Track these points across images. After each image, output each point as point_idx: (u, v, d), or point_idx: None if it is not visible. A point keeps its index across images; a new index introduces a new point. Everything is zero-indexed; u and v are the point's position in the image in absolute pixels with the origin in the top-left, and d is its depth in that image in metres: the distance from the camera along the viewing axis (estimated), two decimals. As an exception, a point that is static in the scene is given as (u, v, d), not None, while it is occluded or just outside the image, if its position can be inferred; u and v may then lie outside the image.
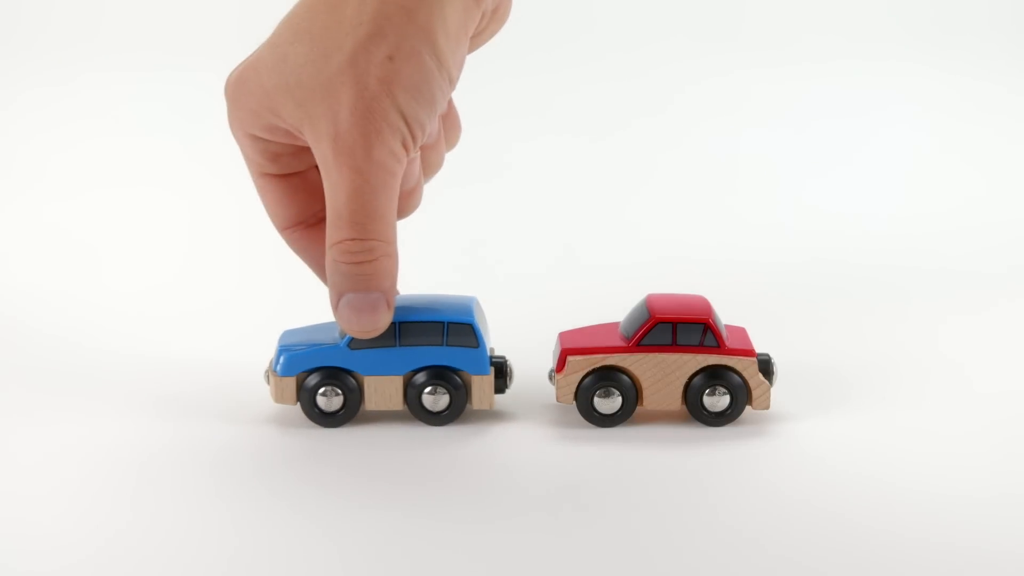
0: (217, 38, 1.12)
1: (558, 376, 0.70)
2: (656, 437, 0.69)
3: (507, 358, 0.71)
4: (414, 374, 0.69)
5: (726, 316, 0.75)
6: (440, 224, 0.94)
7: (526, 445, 0.68)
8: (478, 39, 0.68)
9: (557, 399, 0.70)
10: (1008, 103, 1.16)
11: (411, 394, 0.69)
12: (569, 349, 0.70)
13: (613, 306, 0.75)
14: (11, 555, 0.57)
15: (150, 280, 0.94)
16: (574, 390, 0.69)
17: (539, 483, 0.64)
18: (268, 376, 0.70)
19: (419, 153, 0.70)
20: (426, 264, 0.90)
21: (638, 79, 1.15)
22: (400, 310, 0.68)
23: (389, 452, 0.67)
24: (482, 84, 1.02)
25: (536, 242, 1.01)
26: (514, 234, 1.02)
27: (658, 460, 0.66)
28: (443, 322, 0.69)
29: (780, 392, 0.73)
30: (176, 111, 1.11)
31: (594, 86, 1.15)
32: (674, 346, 0.69)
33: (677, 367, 0.69)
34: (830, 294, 0.93)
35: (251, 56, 0.67)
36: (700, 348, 0.69)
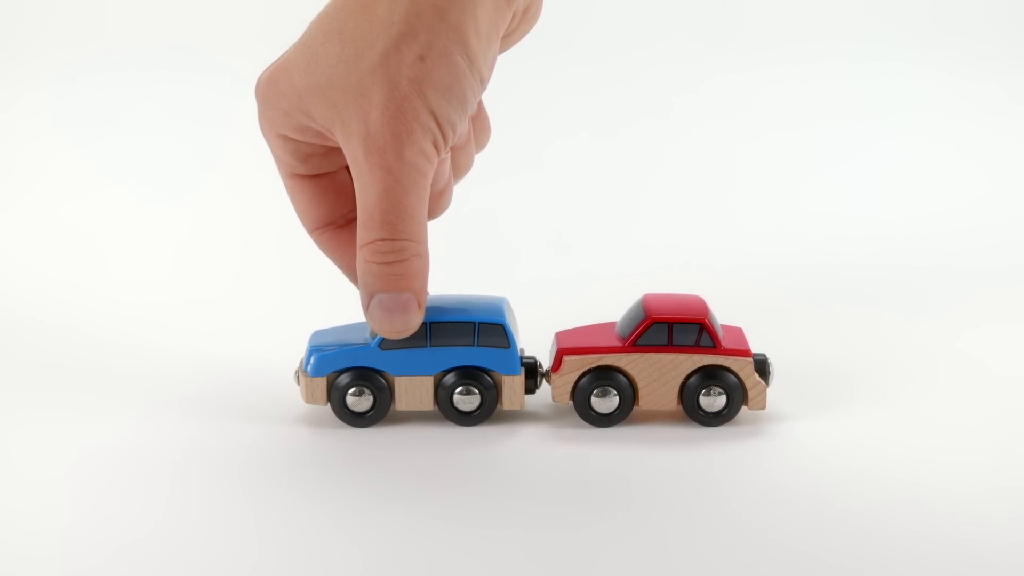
0: (219, 38, 1.12)
1: (554, 376, 0.70)
2: (654, 437, 0.69)
3: (537, 358, 0.71)
4: (445, 374, 0.69)
5: (729, 317, 0.74)
6: (437, 225, 0.94)
7: (530, 446, 0.68)
8: (509, 39, 0.68)
9: (553, 399, 0.70)
10: (1013, 103, 1.16)
11: (442, 395, 0.69)
12: (565, 349, 0.70)
13: (613, 307, 0.75)
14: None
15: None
16: (570, 390, 0.69)
17: (545, 483, 0.64)
18: (298, 376, 0.70)
19: (450, 154, 0.70)
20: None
21: (636, 82, 1.15)
22: (431, 310, 0.68)
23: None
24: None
25: (534, 242, 1.01)
26: (512, 234, 1.02)
27: (658, 459, 0.66)
28: (474, 322, 0.69)
29: (779, 392, 0.73)
30: (181, 110, 1.11)
31: (592, 89, 1.15)
32: (670, 346, 0.69)
33: (673, 367, 0.69)
34: (832, 296, 0.92)
35: (281, 57, 0.67)
36: (696, 348, 0.69)
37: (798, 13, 1.19)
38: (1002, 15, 1.19)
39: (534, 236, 1.02)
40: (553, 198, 1.07)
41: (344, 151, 0.64)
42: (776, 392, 0.72)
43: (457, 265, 0.92)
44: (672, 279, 0.85)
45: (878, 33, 1.18)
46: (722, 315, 0.74)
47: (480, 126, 0.73)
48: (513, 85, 1.06)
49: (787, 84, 1.16)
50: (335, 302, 0.75)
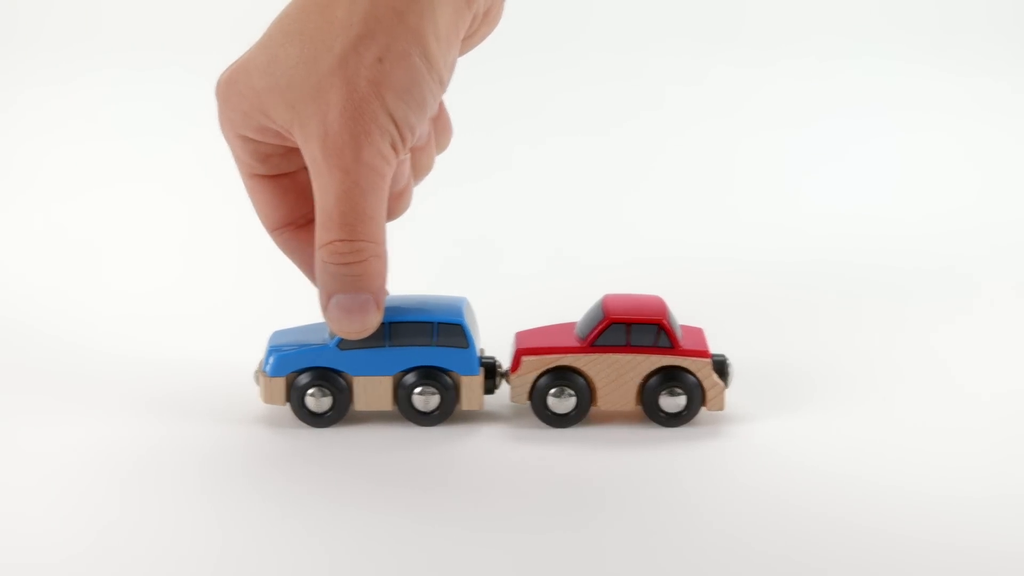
0: (217, 38, 1.12)
1: (512, 376, 0.70)
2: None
3: (496, 358, 0.71)
4: (404, 374, 0.69)
5: (710, 315, 0.74)
6: (434, 224, 0.93)
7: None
8: (470, 41, 0.68)
9: (511, 399, 0.70)
10: (1008, 101, 1.16)
11: (401, 394, 0.69)
12: (523, 349, 0.70)
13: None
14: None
15: (145, 280, 0.94)
16: (528, 390, 0.70)
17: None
18: (258, 376, 0.70)
19: (409, 155, 0.71)
20: (419, 263, 0.91)
21: (632, 79, 1.15)
22: (390, 310, 0.69)
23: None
24: (477, 84, 1.02)
25: (530, 242, 1.01)
26: (509, 234, 1.02)
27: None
28: (433, 322, 0.69)
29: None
30: (175, 112, 1.11)
31: (589, 86, 1.15)
32: (628, 347, 0.69)
33: (631, 368, 0.69)
34: (823, 294, 0.93)
35: (242, 57, 0.67)
36: (654, 349, 0.69)
37: (793, 11, 1.19)
38: (1007, 14, 1.19)
39: (528, 235, 1.02)
40: (547, 197, 1.07)
41: (303, 152, 0.65)
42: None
43: (451, 263, 0.93)
44: (668, 277, 0.85)
45: (875, 31, 1.18)
46: (704, 314, 0.74)
47: (442, 128, 0.73)
48: (508, 83, 1.06)
49: (779, 82, 1.16)
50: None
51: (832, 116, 1.14)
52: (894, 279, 0.96)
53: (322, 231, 0.64)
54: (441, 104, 0.73)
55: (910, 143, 1.13)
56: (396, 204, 0.71)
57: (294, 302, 0.77)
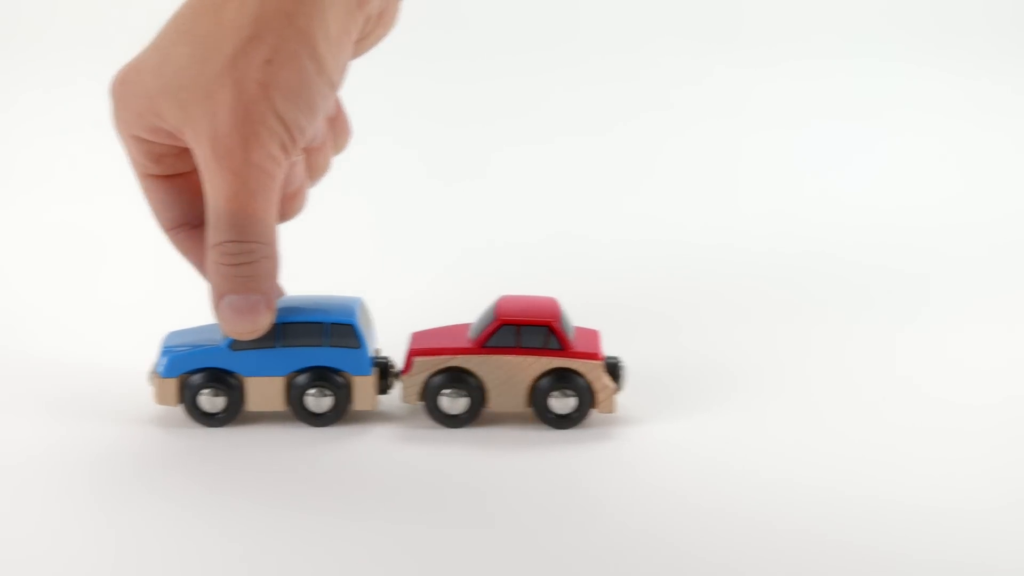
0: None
1: (404, 376, 0.70)
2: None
3: (390, 359, 0.71)
4: (296, 375, 0.70)
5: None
6: (435, 222, 0.93)
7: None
8: (363, 44, 0.69)
9: (402, 399, 0.70)
10: (996, 101, 1.18)
11: (293, 395, 0.70)
12: (415, 350, 0.70)
13: (597, 306, 0.76)
14: None
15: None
16: (418, 391, 0.70)
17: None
18: (151, 377, 0.70)
19: (302, 156, 0.71)
20: (420, 262, 0.92)
21: (633, 79, 1.16)
22: (282, 311, 0.69)
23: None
24: (476, 82, 1.02)
25: (529, 240, 1.02)
26: (508, 232, 1.03)
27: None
28: (324, 323, 0.69)
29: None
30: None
31: (591, 84, 1.15)
32: (518, 348, 0.70)
33: (521, 369, 0.70)
34: (807, 292, 0.94)
35: (136, 57, 0.67)
36: (544, 351, 0.70)
37: (792, 9, 1.20)
38: (1005, 16, 1.20)
39: (527, 234, 1.02)
40: (544, 196, 1.07)
41: (193, 153, 0.65)
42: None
43: (451, 262, 0.93)
44: (651, 276, 0.84)
45: (862, 31, 1.19)
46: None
47: (339, 129, 0.74)
48: (509, 80, 1.06)
49: (770, 84, 1.17)
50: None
51: (829, 117, 1.15)
52: (873, 277, 0.97)
53: (212, 232, 0.65)
54: (339, 105, 0.73)
55: (908, 144, 1.14)
56: (290, 205, 0.71)
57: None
